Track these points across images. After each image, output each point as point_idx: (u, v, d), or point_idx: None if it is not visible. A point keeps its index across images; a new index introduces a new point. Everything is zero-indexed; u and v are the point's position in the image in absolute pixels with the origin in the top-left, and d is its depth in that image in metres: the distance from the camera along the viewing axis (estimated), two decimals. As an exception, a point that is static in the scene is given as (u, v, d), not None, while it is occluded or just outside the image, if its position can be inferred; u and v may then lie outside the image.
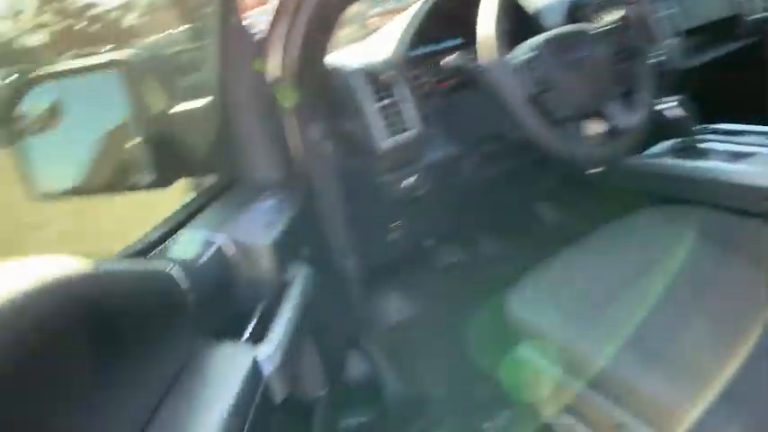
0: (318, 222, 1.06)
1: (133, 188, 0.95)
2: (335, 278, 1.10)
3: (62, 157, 0.94)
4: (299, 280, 0.81)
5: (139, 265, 0.60)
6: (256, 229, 0.81)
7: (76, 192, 0.94)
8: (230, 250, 0.76)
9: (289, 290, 0.79)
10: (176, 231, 0.81)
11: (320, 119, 1.04)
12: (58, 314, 0.39)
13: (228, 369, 0.59)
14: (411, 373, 1.27)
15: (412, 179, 1.12)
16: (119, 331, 0.46)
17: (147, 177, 0.93)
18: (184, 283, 0.59)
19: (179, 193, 1.28)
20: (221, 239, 0.76)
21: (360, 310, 1.21)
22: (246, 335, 0.69)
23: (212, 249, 0.74)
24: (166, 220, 0.85)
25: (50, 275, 0.40)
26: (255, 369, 0.61)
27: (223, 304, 0.74)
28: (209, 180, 1.07)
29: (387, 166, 1.08)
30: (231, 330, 0.70)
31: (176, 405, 0.52)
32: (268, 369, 0.63)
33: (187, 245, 0.75)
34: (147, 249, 0.76)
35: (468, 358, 1.21)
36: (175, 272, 0.60)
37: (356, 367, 1.22)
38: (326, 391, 0.94)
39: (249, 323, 0.72)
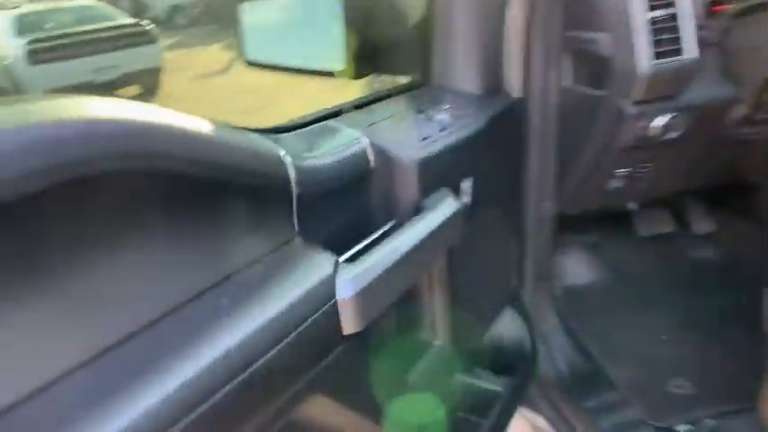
0: (508, 150, 0.91)
1: (326, 74, 0.91)
2: (508, 220, 0.94)
3: (270, 29, 0.96)
4: (440, 211, 0.68)
5: (254, 141, 0.53)
6: (411, 141, 0.70)
7: (276, 65, 0.94)
8: (369, 156, 0.66)
9: (421, 218, 0.66)
10: (324, 120, 0.72)
11: (556, 26, 0.85)
12: (150, 155, 0.39)
13: (300, 277, 0.51)
14: (584, 346, 1.10)
15: (665, 118, 0.89)
16: (202, 192, 0.45)
17: (342, 65, 0.87)
18: (292, 173, 0.53)
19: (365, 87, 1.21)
20: (364, 142, 0.66)
21: (532, 262, 1.06)
22: (352, 251, 0.60)
23: (348, 149, 0.64)
24: (327, 109, 0.77)
25: (153, 120, 0.40)
26: (327, 287, 0.52)
27: (341, 209, 0.65)
28: (401, 80, 0.99)
29: (639, 95, 0.86)
30: (340, 240, 0.60)
31: (231, 288, 0.47)
32: (343, 293, 0.52)
33: (325, 137, 0.67)
34: (285, 129, 0.69)
35: (666, 345, 1.00)
36: (287, 160, 0.54)
37: (506, 325, 1.07)
38: (446, 341, 0.81)
39: (362, 240, 0.62)
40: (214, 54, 7.32)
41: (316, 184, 0.58)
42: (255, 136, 0.55)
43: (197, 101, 5.43)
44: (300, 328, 0.48)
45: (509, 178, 0.93)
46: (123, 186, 0.39)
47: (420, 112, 0.77)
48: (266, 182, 0.51)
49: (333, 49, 0.87)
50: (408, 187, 0.67)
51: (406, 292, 0.72)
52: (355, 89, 1.07)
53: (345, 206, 0.65)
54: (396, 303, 0.67)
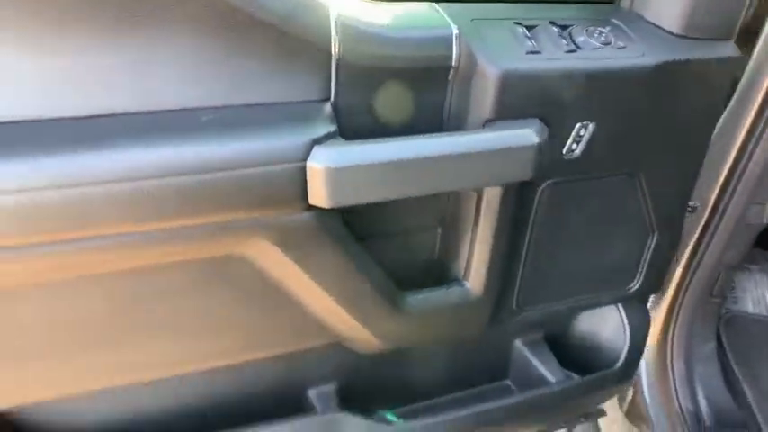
0: (691, 116, 0.70)
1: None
2: (649, 203, 0.75)
3: None
4: (505, 135, 0.57)
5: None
6: (511, 50, 0.58)
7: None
8: (453, 52, 0.57)
9: (473, 133, 0.58)
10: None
11: None
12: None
13: (291, 130, 0.51)
14: (740, 388, 0.87)
15: None
16: (229, 19, 0.47)
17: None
18: (336, 33, 0.51)
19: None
20: (452, 34, 0.57)
21: (706, 273, 0.88)
22: (380, 142, 0.55)
23: (430, 36, 0.57)
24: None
25: None
26: (303, 147, 0.51)
27: (397, 95, 0.57)
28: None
29: None
30: (380, 128, 0.57)
31: (224, 112, 0.50)
32: (317, 161, 0.50)
33: (415, 16, 0.60)
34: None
35: None
36: (336, 19, 0.51)
37: (602, 322, 0.89)
38: (478, 287, 0.71)
39: (404, 135, 0.57)
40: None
41: (372, 58, 0.54)
42: None
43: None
44: (259, 171, 0.49)
45: (678, 154, 0.72)
46: None
47: (561, 26, 0.63)
48: (301, 32, 0.50)
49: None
50: (482, 100, 0.57)
51: (446, 214, 0.68)
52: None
53: (403, 93, 0.58)
54: (416, 215, 0.64)
